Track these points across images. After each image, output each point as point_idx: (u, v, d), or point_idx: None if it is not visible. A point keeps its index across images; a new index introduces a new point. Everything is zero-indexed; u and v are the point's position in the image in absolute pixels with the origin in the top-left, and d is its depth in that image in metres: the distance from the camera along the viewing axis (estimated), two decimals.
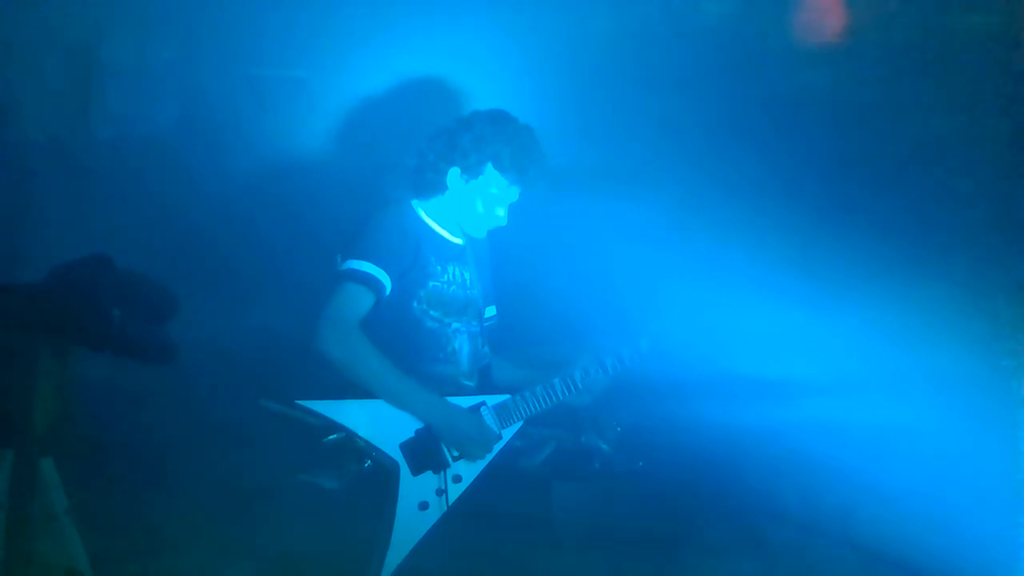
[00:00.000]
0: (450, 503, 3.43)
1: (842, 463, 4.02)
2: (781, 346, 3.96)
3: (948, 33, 4.17)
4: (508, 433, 3.59)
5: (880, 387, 4.10)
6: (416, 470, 3.43)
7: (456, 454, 3.49)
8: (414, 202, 3.75)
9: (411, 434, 3.46)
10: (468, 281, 3.77)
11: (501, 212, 3.70)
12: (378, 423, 3.45)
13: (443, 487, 3.44)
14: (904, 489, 4.01)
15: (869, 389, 4.10)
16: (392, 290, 3.56)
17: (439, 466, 3.45)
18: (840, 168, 4.28)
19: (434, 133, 3.73)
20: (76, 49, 4.15)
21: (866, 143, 4.29)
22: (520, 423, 3.61)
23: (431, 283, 3.65)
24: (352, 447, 3.43)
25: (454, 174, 3.66)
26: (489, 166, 3.64)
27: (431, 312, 3.65)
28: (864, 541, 4.02)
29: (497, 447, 3.55)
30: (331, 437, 3.44)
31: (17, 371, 3.49)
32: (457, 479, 3.47)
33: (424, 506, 3.41)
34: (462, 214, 3.71)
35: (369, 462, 3.44)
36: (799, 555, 4.01)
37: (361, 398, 3.44)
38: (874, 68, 4.26)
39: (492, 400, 3.59)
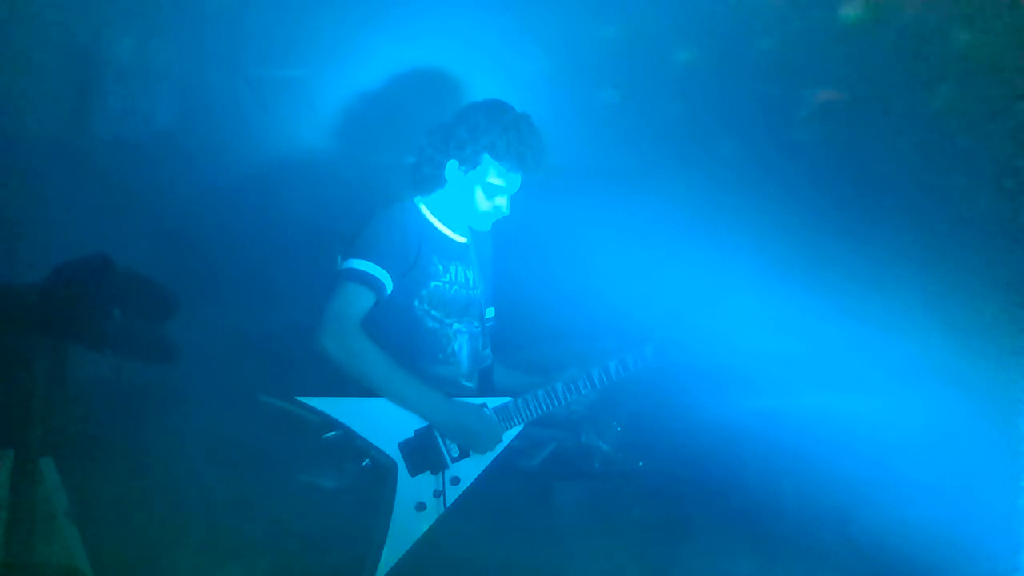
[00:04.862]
0: (447, 505, 3.43)
1: (841, 462, 4.02)
2: (781, 346, 3.96)
3: (949, 34, 4.16)
4: (508, 436, 3.57)
5: (880, 387, 4.10)
6: (414, 471, 3.43)
7: (456, 454, 3.49)
8: (417, 199, 3.74)
9: (410, 434, 3.46)
10: (471, 281, 3.76)
11: (502, 202, 3.68)
12: (377, 422, 3.44)
13: (441, 489, 3.44)
14: (904, 488, 4.01)
15: (868, 389, 4.10)
16: (393, 289, 3.55)
17: (437, 467, 3.45)
18: (841, 170, 4.28)
19: (431, 128, 3.73)
20: (76, 49, 4.15)
21: (867, 144, 4.28)
22: (520, 426, 3.59)
23: (433, 283, 3.64)
24: (350, 445, 3.43)
25: (452, 166, 3.65)
26: (486, 155, 3.62)
27: (432, 312, 3.64)
28: (863, 540, 4.02)
29: (497, 450, 3.54)
30: (329, 434, 3.44)
31: (17, 371, 3.50)
32: (455, 481, 3.46)
33: (421, 507, 3.40)
34: (464, 207, 3.70)
35: (367, 461, 3.44)
36: (798, 554, 4.01)
37: (361, 396, 3.45)
38: (874, 68, 4.25)
39: (493, 402, 3.58)
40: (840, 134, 4.28)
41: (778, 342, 3.94)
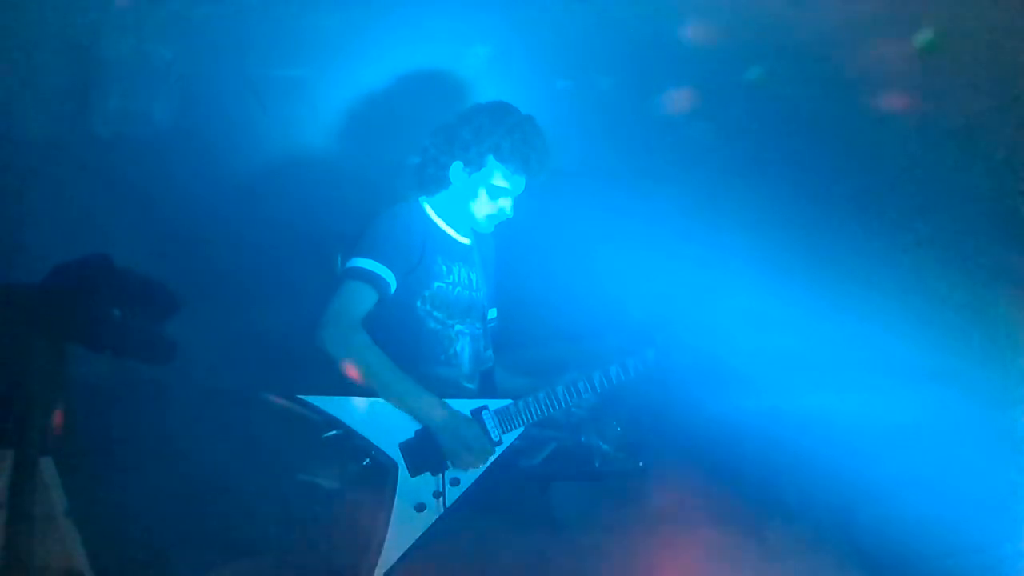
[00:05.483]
0: (447, 506, 3.43)
1: (842, 462, 4.02)
2: (782, 347, 3.96)
3: (949, 35, 4.16)
4: (508, 438, 3.58)
5: (880, 388, 4.10)
6: (414, 471, 3.43)
7: None
8: (422, 199, 3.75)
9: (411, 435, 3.47)
10: (474, 282, 3.77)
11: (506, 204, 3.69)
12: (378, 422, 3.46)
13: (440, 489, 3.44)
14: (904, 488, 4.01)
15: (869, 389, 4.10)
16: (397, 289, 3.56)
17: (437, 468, 3.45)
18: (843, 171, 4.28)
19: (435, 129, 3.73)
20: (75, 48, 4.14)
21: (870, 145, 4.28)
22: (521, 429, 3.60)
23: (436, 283, 3.65)
24: (351, 445, 3.44)
25: (456, 168, 3.66)
26: (490, 158, 3.63)
27: (435, 313, 3.65)
28: (864, 540, 4.02)
29: (497, 451, 3.54)
30: (330, 433, 3.45)
31: (17, 371, 3.49)
32: (455, 482, 3.46)
33: (421, 508, 3.41)
34: (468, 208, 3.70)
35: (367, 460, 3.45)
36: (798, 554, 4.01)
37: (363, 396, 3.45)
38: (878, 71, 4.25)
39: (494, 404, 3.58)
40: (840, 135, 4.28)
41: (779, 343, 3.94)
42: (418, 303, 3.62)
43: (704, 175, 4.33)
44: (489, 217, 3.71)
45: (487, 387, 3.81)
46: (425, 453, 3.45)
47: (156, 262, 3.85)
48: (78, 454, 3.70)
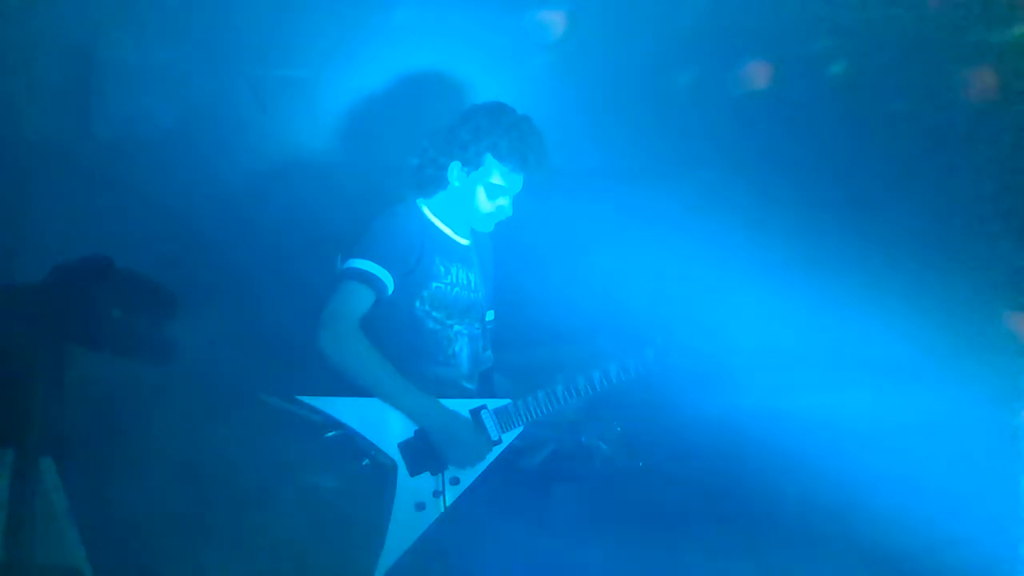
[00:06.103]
0: (447, 505, 3.43)
1: (842, 462, 4.03)
2: (782, 346, 3.96)
3: (952, 34, 4.17)
4: (508, 438, 3.58)
5: (880, 388, 4.10)
6: (414, 471, 3.43)
7: None
8: (420, 201, 3.76)
9: (410, 434, 3.47)
10: (472, 283, 3.77)
11: (505, 203, 3.70)
12: (378, 422, 3.45)
13: (440, 489, 3.44)
14: (904, 488, 4.01)
15: (869, 389, 4.10)
16: (395, 290, 3.56)
17: (437, 468, 3.45)
18: (844, 170, 4.28)
19: (434, 130, 3.74)
20: (76, 49, 4.15)
21: (871, 145, 4.28)
22: (520, 428, 3.60)
23: (434, 284, 3.65)
24: (350, 445, 3.44)
25: (455, 168, 3.67)
26: (488, 156, 3.64)
27: (433, 313, 3.65)
28: (863, 541, 4.02)
29: (497, 451, 3.54)
30: (330, 434, 3.45)
31: (17, 371, 3.50)
32: (455, 481, 3.46)
33: (420, 507, 3.41)
34: (467, 208, 3.71)
35: (367, 461, 3.45)
36: (798, 555, 4.02)
37: (361, 396, 3.45)
38: (880, 69, 4.25)
39: (493, 404, 3.59)
40: (840, 135, 4.28)
41: (779, 343, 3.94)
42: (417, 303, 3.62)
43: (704, 175, 4.33)
44: (488, 216, 3.71)
45: (486, 387, 3.81)
46: (424, 453, 3.45)
47: (156, 262, 3.86)
48: (78, 454, 3.71)
